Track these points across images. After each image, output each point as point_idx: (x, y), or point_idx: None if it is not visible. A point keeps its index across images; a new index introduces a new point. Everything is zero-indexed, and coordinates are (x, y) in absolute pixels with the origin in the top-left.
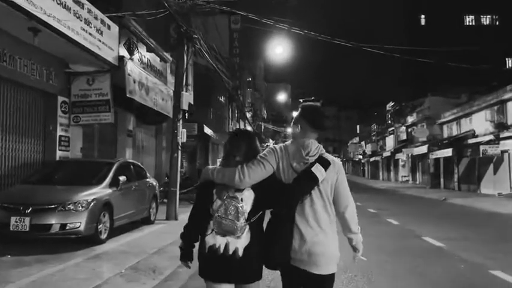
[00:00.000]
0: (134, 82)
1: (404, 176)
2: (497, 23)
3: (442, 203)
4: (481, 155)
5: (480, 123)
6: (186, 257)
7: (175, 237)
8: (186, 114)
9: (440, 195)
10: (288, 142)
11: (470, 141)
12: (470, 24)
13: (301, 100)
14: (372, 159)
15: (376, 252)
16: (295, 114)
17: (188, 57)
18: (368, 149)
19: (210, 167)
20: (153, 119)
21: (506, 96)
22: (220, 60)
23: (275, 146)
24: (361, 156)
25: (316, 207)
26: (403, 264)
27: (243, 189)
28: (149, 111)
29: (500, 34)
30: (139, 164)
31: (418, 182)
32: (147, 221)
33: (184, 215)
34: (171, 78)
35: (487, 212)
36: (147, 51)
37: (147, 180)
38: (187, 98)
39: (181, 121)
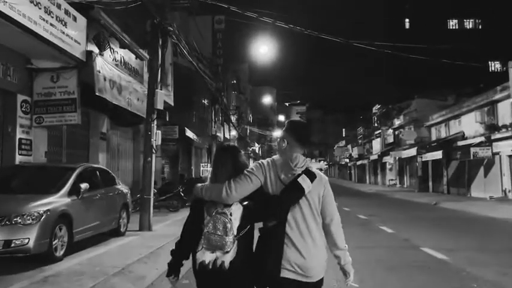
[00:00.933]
0: (105, 80)
1: (392, 180)
2: (480, 26)
3: (433, 208)
4: (471, 158)
5: (470, 125)
6: (172, 272)
7: (145, 251)
8: (167, 116)
9: (430, 199)
10: (275, 156)
11: (460, 143)
12: (454, 28)
13: (286, 104)
14: (358, 162)
15: (374, 268)
16: (281, 117)
17: (164, 52)
18: (355, 152)
19: (199, 184)
20: (128, 120)
21: (497, 96)
22: (202, 61)
23: (262, 160)
24: (347, 160)
25: (307, 218)
26: (407, 283)
27: (231, 205)
28: (124, 112)
29: (483, 37)
30: (106, 169)
31: (405, 186)
32: (116, 233)
33: (161, 225)
34: (146, 76)
35: (481, 217)
36: (121, 47)
37: (117, 187)
38: (163, 96)
39: (155, 122)
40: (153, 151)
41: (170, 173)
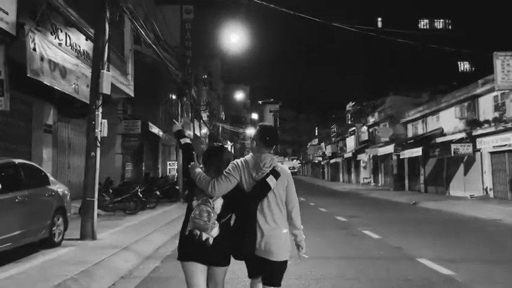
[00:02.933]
0: (42, 60)
1: (366, 178)
2: (450, 27)
3: (414, 208)
4: (452, 155)
5: (449, 120)
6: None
7: (75, 269)
8: (129, 109)
9: (409, 198)
10: (248, 156)
11: (439, 139)
12: (425, 27)
13: (260, 102)
14: (332, 161)
15: None
16: (254, 115)
17: (115, 27)
18: (328, 150)
19: (197, 170)
20: (79, 111)
21: (478, 91)
22: (168, 50)
23: (237, 161)
24: (320, 158)
25: (272, 207)
26: None
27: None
28: (74, 101)
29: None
30: (35, 165)
31: (380, 184)
32: (49, 244)
33: (109, 232)
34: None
35: (469, 218)
36: (67, 25)
37: (50, 187)
38: (109, 78)
39: (100, 109)
40: (98, 144)
41: (133, 171)
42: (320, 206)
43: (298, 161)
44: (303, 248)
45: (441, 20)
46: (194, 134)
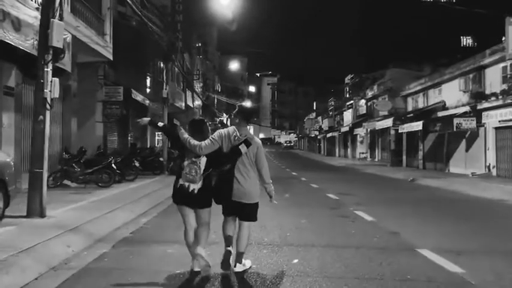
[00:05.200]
0: None
1: (363, 153)
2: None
3: (412, 185)
4: (454, 129)
5: (452, 93)
6: (152, 125)
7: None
8: (112, 76)
9: (406, 174)
10: (230, 128)
11: (441, 114)
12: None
13: (257, 74)
14: (328, 135)
15: None
16: (251, 88)
17: None
18: (325, 124)
19: (186, 135)
20: None
21: (486, 61)
22: (152, 10)
23: (221, 131)
24: (317, 132)
25: (246, 165)
26: None
27: (200, 157)
28: None
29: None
30: None
31: (377, 160)
32: None
33: (66, 208)
34: (71, 19)
35: (471, 198)
36: None
37: None
38: (62, 29)
39: (50, 65)
40: (47, 106)
41: (120, 142)
42: (312, 182)
43: (295, 135)
44: (272, 196)
45: None
46: (186, 105)
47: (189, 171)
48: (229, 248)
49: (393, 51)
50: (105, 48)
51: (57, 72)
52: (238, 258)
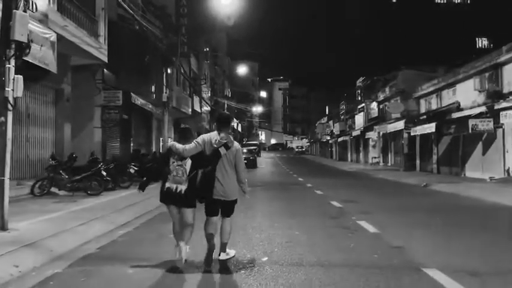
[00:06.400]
0: None
1: (375, 158)
2: (468, 1)
3: (424, 191)
4: (469, 131)
5: (466, 93)
6: (142, 188)
7: None
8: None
9: (419, 179)
10: (212, 133)
11: (455, 115)
12: (442, 1)
13: (269, 79)
14: (340, 139)
15: None
16: (262, 93)
17: None
18: (336, 128)
19: (176, 144)
20: (28, 74)
21: (503, 58)
22: (154, 12)
23: (204, 135)
24: (328, 137)
25: (226, 166)
26: None
27: (186, 159)
28: (25, 63)
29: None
30: None
31: (390, 164)
32: None
33: (37, 220)
34: (58, 18)
35: (490, 205)
36: None
37: None
38: (26, 21)
39: (13, 61)
40: (9, 107)
41: (121, 148)
42: (317, 188)
43: (307, 140)
44: (246, 193)
45: None
46: (193, 110)
47: (176, 173)
48: (212, 242)
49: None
50: (98, 50)
51: (42, 73)
52: (223, 248)
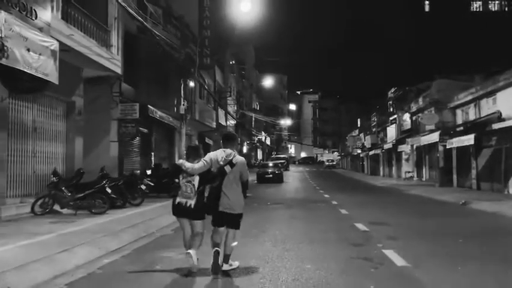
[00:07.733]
0: None
1: (408, 172)
2: (506, 8)
3: (464, 210)
4: None
5: (508, 102)
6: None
7: None
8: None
9: (457, 196)
10: (218, 151)
11: (496, 125)
12: (477, 10)
13: (298, 92)
14: (371, 152)
15: None
16: (292, 106)
17: None
18: (367, 141)
19: (185, 162)
20: (26, 85)
21: None
22: (172, 22)
23: (211, 153)
24: (359, 150)
25: (231, 181)
26: None
27: (194, 176)
28: (22, 73)
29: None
30: None
31: (424, 179)
32: None
33: (20, 244)
34: (63, 26)
35: None
36: None
37: None
38: (5, 20)
39: None
40: None
41: (141, 162)
42: (342, 207)
43: (338, 154)
44: (245, 197)
45: (496, 2)
46: (217, 123)
47: (185, 189)
48: (216, 249)
49: (439, 62)
50: (109, 60)
51: (41, 83)
52: (226, 259)
